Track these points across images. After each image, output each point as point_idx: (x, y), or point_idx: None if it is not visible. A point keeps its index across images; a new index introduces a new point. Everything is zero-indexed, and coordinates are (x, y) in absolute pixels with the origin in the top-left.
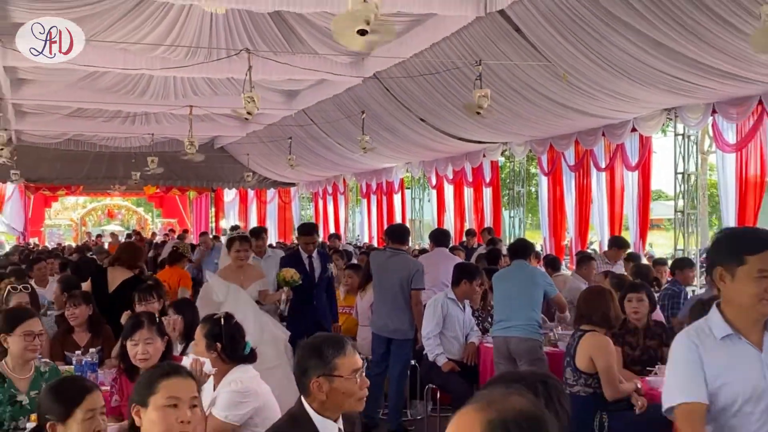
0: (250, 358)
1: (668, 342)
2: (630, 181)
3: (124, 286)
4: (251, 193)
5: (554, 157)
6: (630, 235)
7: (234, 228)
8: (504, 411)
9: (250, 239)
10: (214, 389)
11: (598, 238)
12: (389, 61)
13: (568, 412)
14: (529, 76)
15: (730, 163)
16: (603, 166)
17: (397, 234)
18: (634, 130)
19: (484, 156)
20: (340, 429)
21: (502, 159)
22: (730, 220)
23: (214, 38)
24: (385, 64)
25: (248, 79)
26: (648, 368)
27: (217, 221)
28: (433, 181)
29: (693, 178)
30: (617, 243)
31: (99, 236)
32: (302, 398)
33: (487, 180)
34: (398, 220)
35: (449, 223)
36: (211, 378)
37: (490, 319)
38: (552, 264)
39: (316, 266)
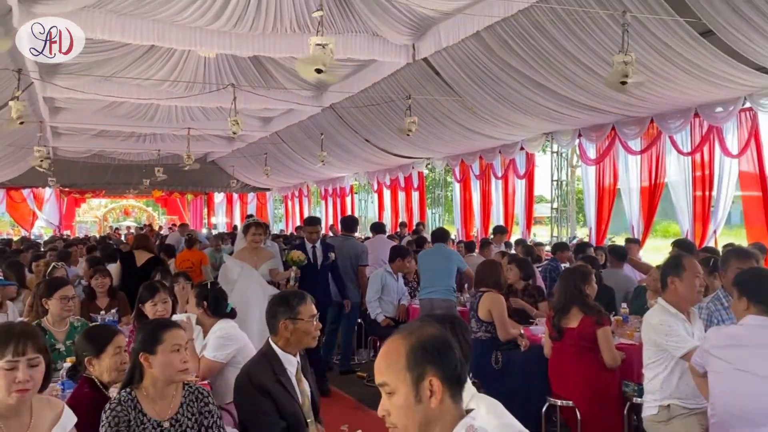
0: (230, 315)
1: (538, 300)
2: (519, 187)
3: (149, 263)
4: (235, 196)
5: (464, 168)
6: (520, 228)
7: (249, 216)
8: (421, 336)
9: (263, 225)
10: (204, 338)
11: None
12: (342, 95)
13: (470, 343)
14: (446, 108)
15: (591, 174)
16: (500, 175)
17: (348, 224)
18: (522, 148)
19: (413, 168)
20: (298, 362)
21: (426, 170)
22: (591, 218)
23: (207, 76)
24: (338, 97)
25: (233, 107)
26: (530, 320)
27: (209, 218)
28: (375, 186)
29: (565, 185)
30: (498, 230)
31: (117, 229)
32: (270, 339)
33: (415, 186)
34: None
35: (387, 218)
36: (201, 331)
37: (418, 287)
38: (468, 247)
39: (319, 254)
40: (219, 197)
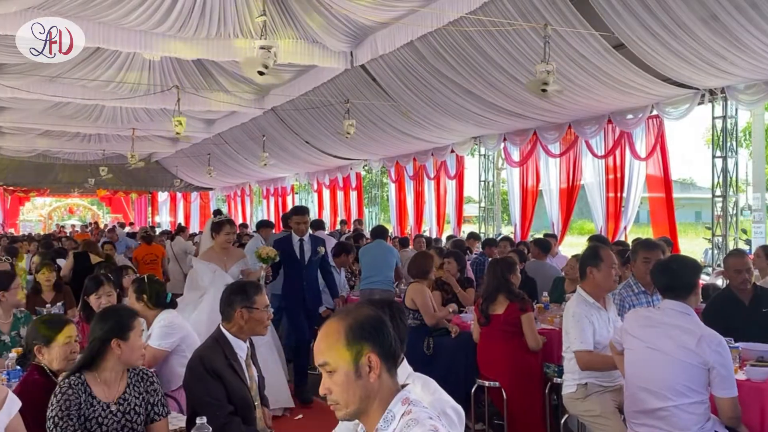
0: (171, 305)
1: (466, 287)
2: (450, 187)
3: (101, 262)
4: (179, 195)
5: (399, 170)
6: (451, 226)
7: (217, 213)
8: (358, 317)
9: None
10: (149, 329)
11: (429, 227)
12: (283, 98)
13: (406, 324)
14: (381, 112)
15: (515, 176)
16: (432, 176)
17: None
18: (452, 151)
19: (351, 169)
20: (248, 347)
21: (363, 171)
22: (516, 216)
23: (152, 78)
24: (280, 100)
25: (177, 109)
26: (461, 309)
27: (153, 216)
28: (315, 186)
29: (491, 186)
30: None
31: (62, 228)
32: (221, 325)
33: (353, 186)
34: None
35: (327, 217)
36: (145, 323)
37: (355, 280)
38: (402, 242)
39: (306, 249)
40: (163, 196)
